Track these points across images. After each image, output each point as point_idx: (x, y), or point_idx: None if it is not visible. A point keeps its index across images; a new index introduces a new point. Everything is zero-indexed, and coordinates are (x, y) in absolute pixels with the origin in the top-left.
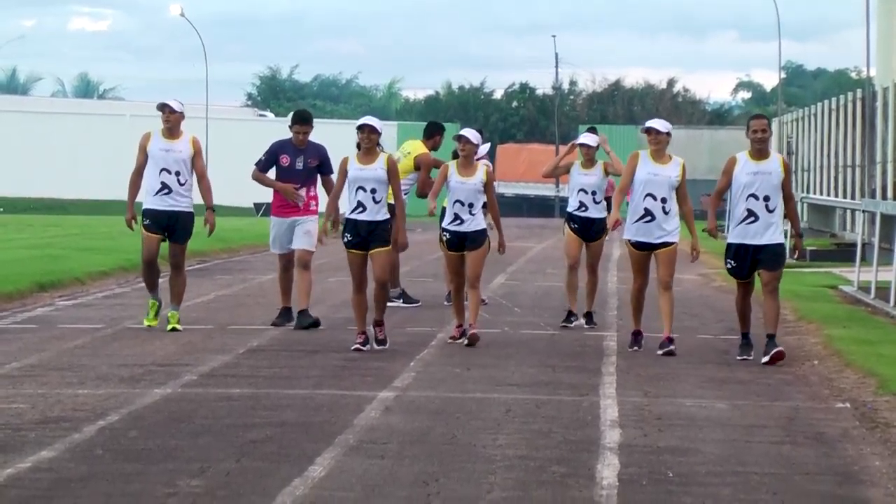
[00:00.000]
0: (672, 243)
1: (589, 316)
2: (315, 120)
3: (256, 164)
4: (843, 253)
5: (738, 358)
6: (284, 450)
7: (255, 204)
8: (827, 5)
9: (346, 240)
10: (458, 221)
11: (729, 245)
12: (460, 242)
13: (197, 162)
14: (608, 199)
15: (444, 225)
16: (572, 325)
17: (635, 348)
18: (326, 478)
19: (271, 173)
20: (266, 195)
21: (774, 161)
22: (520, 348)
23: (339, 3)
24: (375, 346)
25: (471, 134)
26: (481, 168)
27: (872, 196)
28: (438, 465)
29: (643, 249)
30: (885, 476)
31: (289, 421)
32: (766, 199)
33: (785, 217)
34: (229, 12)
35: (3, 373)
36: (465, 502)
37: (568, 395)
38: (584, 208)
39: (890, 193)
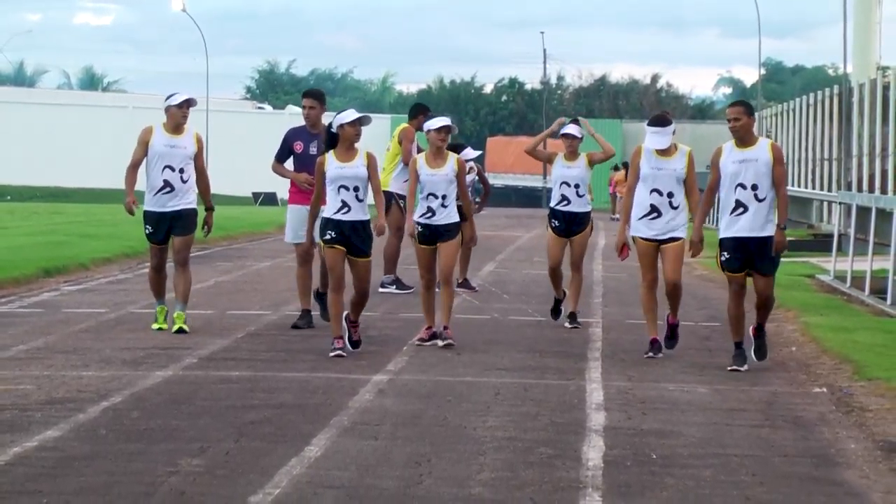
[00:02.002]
0: (679, 238)
1: (573, 316)
2: None
3: (276, 158)
4: (820, 243)
5: (730, 368)
6: (281, 430)
7: (253, 193)
8: (806, 4)
9: (327, 237)
10: (430, 214)
11: (721, 240)
12: (433, 235)
13: (198, 159)
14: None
15: (415, 218)
16: (561, 321)
17: (650, 355)
18: (322, 458)
19: (289, 163)
20: (269, 185)
21: (762, 147)
22: (508, 334)
23: None
24: (349, 347)
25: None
26: (451, 158)
27: (849, 188)
28: (430, 445)
29: (650, 241)
30: (861, 458)
31: (286, 403)
32: (755, 187)
33: None
34: (229, 7)
35: (11, 355)
36: (456, 482)
37: (555, 380)
38: (566, 202)
39: (865, 186)
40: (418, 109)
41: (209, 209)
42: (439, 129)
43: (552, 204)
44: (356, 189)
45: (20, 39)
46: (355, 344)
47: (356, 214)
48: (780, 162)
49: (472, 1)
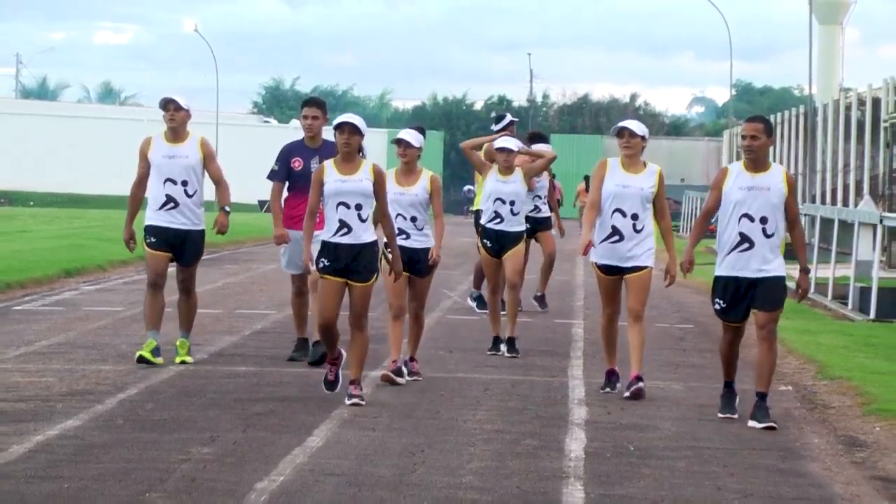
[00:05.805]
0: (644, 267)
1: (511, 343)
2: None
3: (271, 177)
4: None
5: (721, 416)
6: (286, 422)
7: (259, 201)
8: (774, 30)
9: (321, 265)
10: (403, 236)
11: (717, 279)
12: (408, 261)
13: (211, 167)
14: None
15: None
16: (500, 353)
17: (607, 390)
18: (323, 447)
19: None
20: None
21: (776, 174)
22: None
23: (338, 20)
24: (341, 393)
25: (411, 136)
26: (425, 175)
27: (813, 201)
28: (424, 437)
29: (611, 273)
30: (824, 452)
31: (290, 396)
32: (764, 220)
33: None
34: (238, 27)
35: (34, 350)
36: (448, 471)
37: (540, 376)
38: (498, 220)
39: (829, 199)
40: (498, 119)
41: (223, 209)
42: (397, 142)
43: (483, 221)
44: (358, 207)
45: (44, 56)
46: (357, 396)
47: (358, 237)
48: (794, 193)
49: (463, 24)
